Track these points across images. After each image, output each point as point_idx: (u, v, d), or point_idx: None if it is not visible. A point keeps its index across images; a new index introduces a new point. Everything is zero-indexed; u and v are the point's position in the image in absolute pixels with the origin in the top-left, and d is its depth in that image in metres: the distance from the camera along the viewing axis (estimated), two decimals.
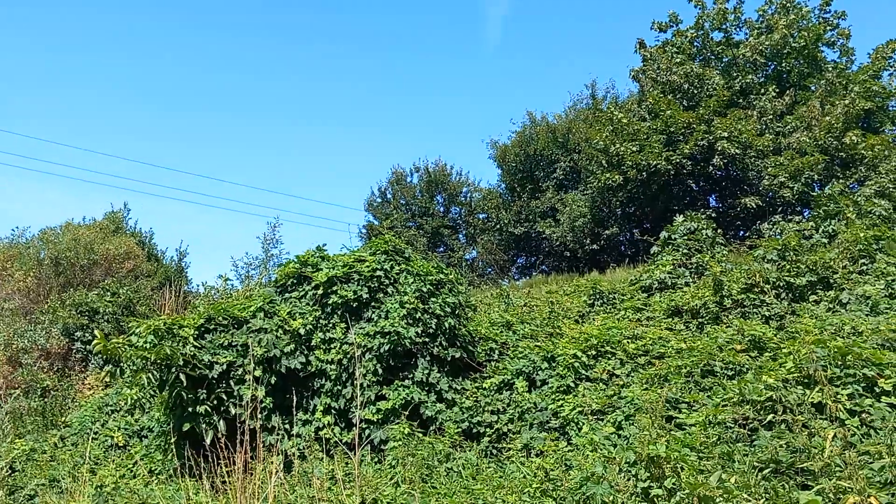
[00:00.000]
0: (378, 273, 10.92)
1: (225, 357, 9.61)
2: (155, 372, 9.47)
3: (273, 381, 9.81)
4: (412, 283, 10.89)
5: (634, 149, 24.46)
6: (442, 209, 39.08)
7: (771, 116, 24.44)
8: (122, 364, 10.10)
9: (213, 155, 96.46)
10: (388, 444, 9.14)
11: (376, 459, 9.10)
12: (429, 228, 37.10)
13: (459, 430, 9.50)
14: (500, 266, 35.00)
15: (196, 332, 9.83)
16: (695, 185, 25.73)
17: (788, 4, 26.25)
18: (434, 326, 10.50)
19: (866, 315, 9.84)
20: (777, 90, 25.10)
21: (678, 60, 26.48)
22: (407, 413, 9.66)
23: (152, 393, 12.02)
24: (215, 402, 9.44)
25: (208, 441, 8.95)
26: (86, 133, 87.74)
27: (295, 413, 9.57)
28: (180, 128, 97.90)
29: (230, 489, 6.43)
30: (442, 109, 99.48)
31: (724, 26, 27.15)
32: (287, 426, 9.59)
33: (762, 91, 25.24)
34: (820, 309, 10.52)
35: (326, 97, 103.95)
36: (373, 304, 10.74)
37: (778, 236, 14.79)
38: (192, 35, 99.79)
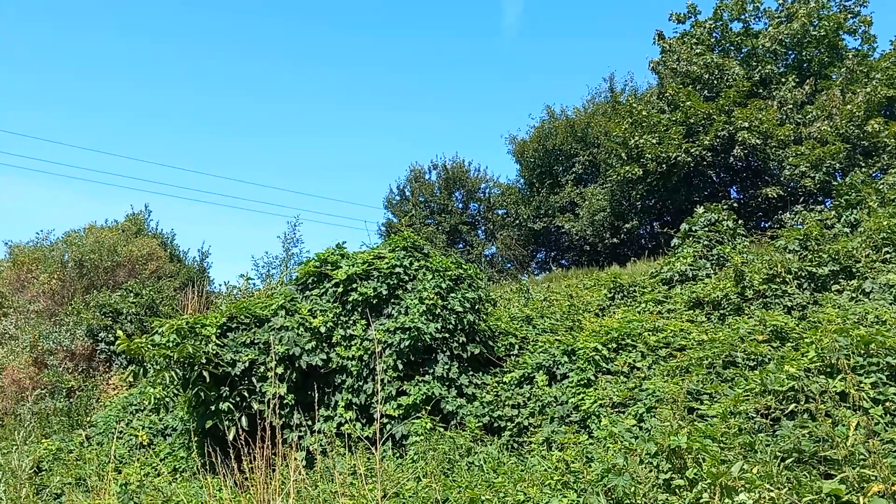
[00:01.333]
0: (397, 270, 10.95)
1: (247, 355, 9.69)
2: (178, 370, 9.57)
3: (294, 378, 9.87)
4: (431, 279, 10.91)
5: (654, 141, 24.32)
6: (461, 206, 39.08)
7: (791, 106, 24.21)
8: (145, 363, 10.20)
9: (233, 156, 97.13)
10: (409, 439, 9.17)
11: (398, 454, 9.13)
12: (448, 225, 37.12)
13: (480, 424, 9.50)
14: (520, 261, 34.95)
15: (218, 331, 9.92)
16: (715, 177, 25.55)
17: None
18: (454, 322, 10.51)
19: (890, 304, 9.73)
20: (797, 80, 24.86)
21: (697, 51, 26.30)
22: (428, 408, 9.69)
23: (175, 392, 12.13)
24: (237, 399, 9.52)
25: (230, 438, 9.02)
26: (106, 136, 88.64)
27: (316, 409, 9.62)
28: (201, 129, 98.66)
29: (252, 486, 6.48)
30: (459, 105, 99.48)
31: (743, 16, 26.93)
32: (309, 422, 9.65)
33: (782, 81, 25.01)
34: (843, 298, 10.42)
35: (345, 96, 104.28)
36: (392, 300, 10.78)
37: (800, 226, 14.64)
38: (209, 36, 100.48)
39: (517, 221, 34.11)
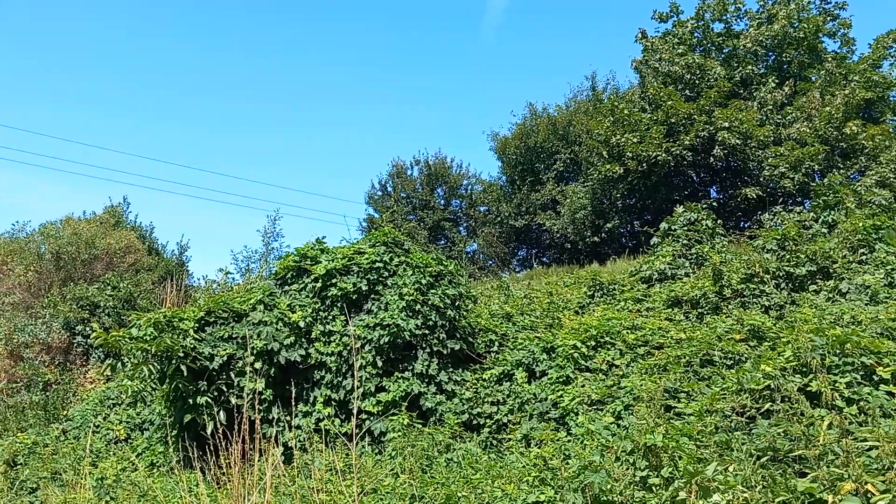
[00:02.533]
0: (377, 265, 10.93)
1: (225, 349, 9.64)
2: (156, 364, 9.51)
3: (273, 374, 9.84)
4: (412, 274, 10.90)
5: (635, 140, 24.44)
6: (442, 202, 39.06)
7: (771, 107, 24.40)
8: (122, 357, 10.13)
9: (213, 149, 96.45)
10: (387, 436, 9.17)
11: (376, 451, 9.13)
12: (429, 221, 37.10)
13: (459, 421, 9.52)
14: (501, 258, 35.01)
15: (196, 325, 9.86)
16: (695, 176, 25.72)
17: None
18: (434, 318, 10.51)
19: (866, 304, 9.83)
20: (777, 81, 25.05)
21: (679, 51, 26.43)
22: (407, 404, 9.69)
23: (153, 386, 12.05)
24: (215, 394, 9.48)
25: (209, 432, 8.97)
26: (84, 127, 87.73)
27: (295, 405, 9.59)
28: (180, 122, 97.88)
29: (229, 481, 6.45)
30: (442, 101, 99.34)
31: (724, 17, 27.07)
32: (287, 418, 9.62)
33: (763, 82, 25.19)
34: (819, 298, 10.52)
35: (327, 90, 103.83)
36: (372, 296, 10.76)
37: (778, 227, 14.78)
38: (189, 28, 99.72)
39: (499, 218, 34.17)
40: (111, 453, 11.45)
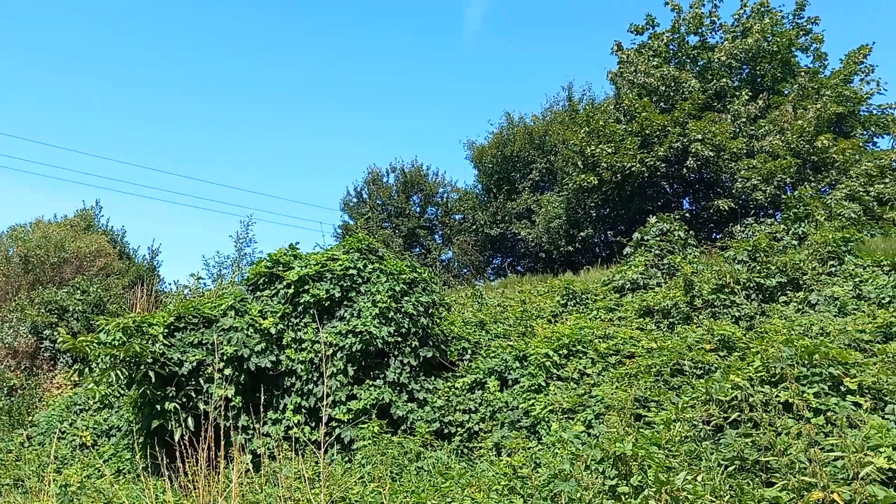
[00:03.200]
0: (351, 272, 10.87)
1: (194, 355, 9.53)
2: (124, 370, 9.38)
3: (243, 380, 9.73)
4: (385, 281, 10.86)
5: (610, 150, 24.58)
6: (418, 210, 39.01)
7: (744, 120, 24.65)
8: (90, 362, 9.98)
9: (186, 153, 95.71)
10: (357, 444, 9.11)
11: (346, 459, 9.06)
12: (405, 229, 37.03)
13: (430, 429, 9.48)
14: (476, 266, 35.02)
15: (166, 330, 9.74)
16: (668, 188, 25.91)
17: (763, 9, 26.48)
18: (407, 326, 10.47)
19: (834, 316, 9.95)
20: (751, 94, 25.32)
21: (654, 63, 26.65)
22: (378, 412, 9.63)
23: (121, 391, 11.89)
24: (184, 400, 9.36)
25: (176, 439, 8.86)
26: (57, 130, 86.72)
27: (264, 412, 9.50)
28: (154, 125, 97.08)
29: (195, 488, 6.37)
30: (419, 109, 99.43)
31: (699, 30, 27.33)
32: (256, 425, 9.52)
33: (736, 95, 25.46)
34: (789, 309, 10.62)
35: (303, 95, 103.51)
36: (345, 303, 10.70)
37: (749, 238, 14.92)
38: (163, 29, 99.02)
39: (474, 227, 34.18)
40: (77, 459, 11.27)
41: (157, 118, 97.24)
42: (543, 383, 9.31)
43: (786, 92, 25.74)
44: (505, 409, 9.24)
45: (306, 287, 10.59)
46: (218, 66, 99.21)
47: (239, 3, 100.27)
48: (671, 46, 27.73)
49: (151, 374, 9.16)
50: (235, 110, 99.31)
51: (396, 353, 10.35)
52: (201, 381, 9.50)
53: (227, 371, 9.58)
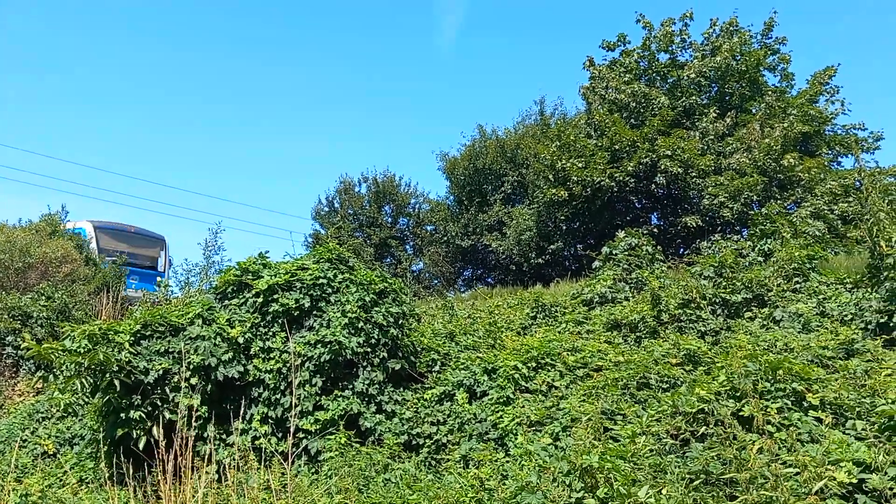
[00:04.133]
0: (321, 281, 10.84)
1: (161, 364, 9.43)
2: (88, 378, 9.25)
3: (210, 390, 9.65)
4: (355, 292, 10.85)
5: (580, 165, 24.79)
6: (390, 220, 39.00)
7: (712, 137, 25.00)
8: (54, 369, 9.83)
9: (155, 158, 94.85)
10: (324, 455, 9.07)
11: (313, 470, 9.01)
12: (376, 239, 36.99)
13: (398, 441, 9.47)
14: (447, 278, 35.06)
15: (132, 338, 9.63)
16: (637, 203, 26.19)
17: (732, 28, 26.91)
18: (376, 336, 10.46)
19: (798, 332, 10.11)
20: (719, 112, 25.71)
21: (625, 79, 26.95)
22: (346, 423, 9.60)
23: (85, 399, 11.72)
24: (150, 408, 9.25)
25: (141, 448, 8.77)
26: (23, 134, 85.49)
27: (231, 422, 9.42)
28: (121, 130, 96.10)
29: (160, 498, 6.30)
30: (392, 120, 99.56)
31: (670, 48, 27.69)
32: (223, 435, 9.44)
33: (705, 112, 25.82)
34: (754, 325, 10.78)
35: (275, 103, 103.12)
36: (315, 312, 10.66)
37: (716, 254, 15.13)
38: (132, 36, 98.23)
39: (445, 238, 34.24)
40: (38, 468, 11.07)
41: (124, 123, 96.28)
42: (512, 395, 9.35)
43: (753, 110, 26.16)
44: (473, 421, 9.26)
45: (275, 296, 10.54)
46: (187, 72, 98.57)
47: (218, 6, 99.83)
48: (642, 63, 28.07)
49: (117, 382, 9.04)
50: (207, 117, 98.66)
51: (365, 363, 10.33)
52: (167, 390, 9.40)
53: (194, 380, 9.49)
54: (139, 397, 9.27)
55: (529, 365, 9.82)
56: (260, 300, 10.54)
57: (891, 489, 5.21)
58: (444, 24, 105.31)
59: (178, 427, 7.25)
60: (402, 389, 10.56)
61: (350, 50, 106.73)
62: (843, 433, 6.31)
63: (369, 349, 10.37)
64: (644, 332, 11.38)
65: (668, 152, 23.54)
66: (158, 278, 25.96)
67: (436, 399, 10.13)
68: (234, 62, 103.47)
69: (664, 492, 5.55)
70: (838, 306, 10.65)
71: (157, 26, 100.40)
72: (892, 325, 9.36)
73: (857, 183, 21.63)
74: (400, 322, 11.05)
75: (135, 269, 27.73)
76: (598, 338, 11.41)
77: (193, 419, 9.10)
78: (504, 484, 6.69)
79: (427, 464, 9.10)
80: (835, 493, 5.26)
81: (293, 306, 10.44)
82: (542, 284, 23.98)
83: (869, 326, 9.74)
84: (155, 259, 29.28)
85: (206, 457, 8.98)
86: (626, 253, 15.04)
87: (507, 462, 7.68)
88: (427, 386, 10.59)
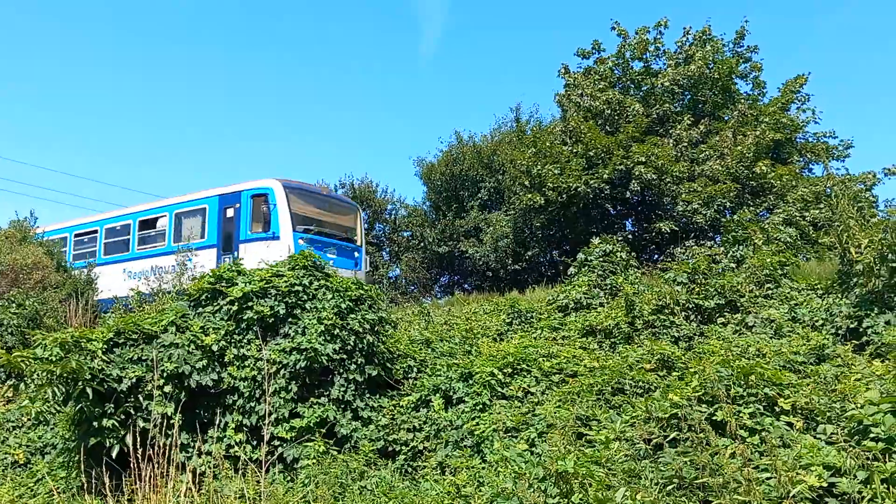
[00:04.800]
0: (296, 288, 10.80)
1: (134, 371, 9.34)
2: (60, 386, 9.14)
3: (184, 398, 9.56)
4: (331, 298, 10.81)
5: (556, 171, 24.92)
6: (366, 226, 38.93)
7: (686, 144, 25.25)
8: (25, 378, 9.70)
9: (125, 163, 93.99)
10: (300, 463, 9.03)
11: (289, 478, 8.96)
12: None
13: (375, 448, 9.45)
14: (423, 284, 35.04)
15: (105, 346, 9.52)
16: (612, 209, 26.36)
17: (705, 37, 27.22)
18: (352, 343, 10.43)
19: (770, 337, 10.24)
20: (692, 119, 25.97)
21: (600, 87, 27.15)
22: (322, 431, 9.56)
23: (57, 408, 11.57)
24: (123, 417, 9.16)
25: (114, 457, 8.67)
26: None
27: (205, 430, 9.35)
28: (92, 135, 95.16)
29: None
30: (371, 125, 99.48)
31: (644, 56, 27.95)
32: (198, 443, 9.36)
33: (678, 120, 26.07)
34: (727, 331, 10.89)
35: (251, 109, 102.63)
36: (290, 319, 10.61)
37: (689, 260, 15.27)
38: (105, 42, 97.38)
39: (422, 244, 34.24)
40: (8, 478, 10.91)
41: (95, 128, 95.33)
42: (488, 402, 9.36)
43: (726, 118, 26.46)
44: (449, 428, 9.26)
45: (250, 303, 10.48)
46: (163, 76, 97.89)
47: (183, 14, 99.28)
48: (616, 71, 28.31)
49: (89, 390, 8.93)
50: (181, 122, 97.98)
51: (341, 370, 10.29)
52: (141, 398, 9.31)
53: (168, 388, 9.41)
54: (112, 405, 9.17)
55: (505, 371, 9.85)
56: (234, 307, 10.47)
57: (860, 492, 5.29)
58: (426, 31, 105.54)
59: (151, 435, 7.18)
60: (378, 396, 10.54)
61: (330, 53, 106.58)
62: (814, 437, 6.40)
63: (345, 356, 10.34)
64: (619, 337, 11.45)
65: (643, 159, 23.75)
66: (356, 253, 23.00)
67: (412, 406, 10.12)
68: (214, 63, 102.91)
69: (638, 497, 5.59)
70: (809, 312, 10.80)
71: (139, 23, 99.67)
72: (861, 330, 9.50)
73: (828, 190, 21.96)
74: (376, 329, 11.03)
75: (330, 240, 22.25)
76: (573, 343, 11.47)
77: (167, 427, 9.02)
78: (480, 490, 6.71)
79: (403, 471, 9.09)
80: (805, 496, 5.33)
81: (268, 313, 10.39)
82: (518, 290, 24.05)
83: (839, 332, 9.88)
84: (351, 230, 23.94)
85: (181, 465, 8.92)
86: (601, 259, 15.13)
87: (484, 468, 7.69)
88: (403, 392, 10.58)
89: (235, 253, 20.82)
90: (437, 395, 10.05)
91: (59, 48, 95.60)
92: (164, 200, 24.38)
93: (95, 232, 25.78)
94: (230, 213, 21.75)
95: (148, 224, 24.21)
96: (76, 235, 26.39)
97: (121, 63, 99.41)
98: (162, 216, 23.82)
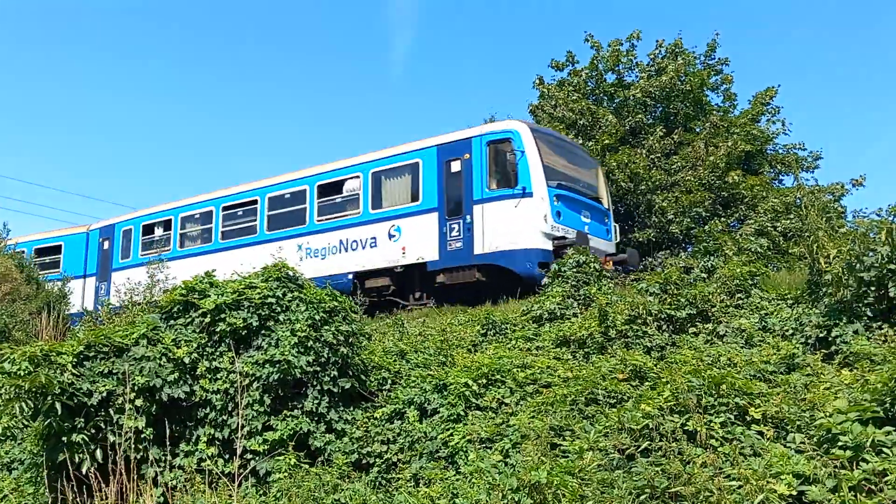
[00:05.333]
0: (269, 300, 10.75)
1: (104, 385, 9.24)
2: (29, 401, 9.01)
3: (155, 411, 9.47)
4: (305, 310, 10.77)
5: None
6: None
7: (658, 155, 25.49)
8: None
9: (95, 175, 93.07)
10: (273, 476, 8.97)
11: (261, 492, 8.90)
12: None
13: (348, 461, 9.40)
14: None
15: (75, 360, 9.41)
16: None
17: (677, 50, 27.54)
18: (326, 355, 10.40)
19: (741, 347, 10.32)
20: (665, 130, 26.22)
21: (574, 98, 27.34)
22: (295, 444, 9.51)
23: (25, 423, 11.39)
24: (93, 431, 9.05)
25: (84, 469, 8.56)
26: None
27: (177, 444, 9.27)
28: (60, 146, 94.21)
29: None
30: (344, 138, 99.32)
31: (617, 67, 28.22)
32: (169, 457, 9.27)
33: (651, 131, 26.32)
34: (698, 341, 10.97)
35: (216, 120, 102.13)
36: (263, 331, 10.56)
37: (661, 270, 15.37)
38: (78, 50, 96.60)
39: None
40: None
41: (65, 138, 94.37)
42: (462, 413, 9.36)
43: (697, 129, 26.76)
44: (424, 440, 9.24)
45: (223, 315, 10.41)
46: (136, 83, 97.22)
47: (150, 23, 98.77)
48: (590, 83, 28.55)
49: (58, 405, 8.80)
50: (148, 131, 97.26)
51: (315, 382, 10.25)
52: (111, 412, 9.21)
53: (139, 402, 9.31)
54: (82, 420, 9.06)
55: (480, 382, 9.85)
56: (207, 319, 10.40)
57: (828, 500, 5.36)
58: (396, 44, 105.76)
59: (122, 450, 7.11)
60: (352, 408, 10.51)
61: (300, 66, 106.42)
62: (784, 446, 6.47)
63: (319, 368, 10.29)
64: (592, 347, 11.50)
65: (615, 164, 24.00)
66: (606, 218, 19.61)
67: (386, 418, 10.10)
68: (175, 78, 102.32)
69: None
70: (779, 321, 10.91)
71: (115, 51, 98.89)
72: (830, 339, 9.61)
73: (798, 201, 22.25)
74: (350, 340, 11.00)
75: (584, 199, 18.60)
76: (547, 354, 11.50)
77: (138, 441, 8.92)
78: (454, 502, 6.70)
79: (377, 483, 9.05)
80: None
81: (241, 325, 10.33)
82: (492, 302, 24.06)
83: (809, 341, 9.99)
84: (598, 188, 19.93)
85: (152, 480, 8.83)
86: (575, 270, 15.20)
87: (458, 480, 7.68)
88: (377, 405, 10.55)
89: (468, 217, 17.38)
90: (412, 406, 10.03)
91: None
92: (349, 160, 20.18)
93: (255, 202, 21.74)
94: (456, 166, 17.85)
95: (331, 189, 20.21)
96: (224, 209, 22.54)
97: (73, 70, 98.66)
98: (352, 178, 19.81)
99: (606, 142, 25.02)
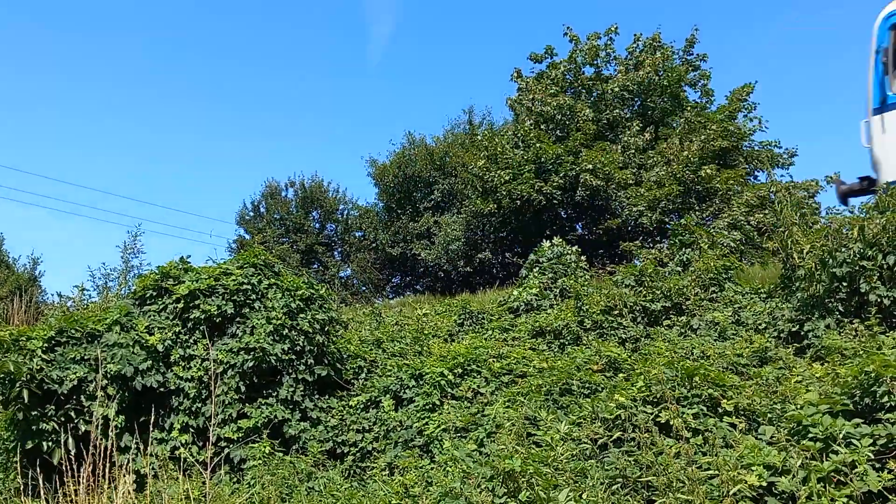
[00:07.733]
0: (245, 287, 10.66)
1: (76, 372, 9.12)
2: None
3: (127, 399, 9.38)
4: (281, 298, 10.71)
5: (507, 178, 25.10)
6: (317, 226, 38.68)
7: (634, 150, 25.63)
8: None
9: (71, 158, 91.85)
10: (247, 464, 8.93)
11: (235, 479, 8.86)
12: (303, 245, 36.61)
13: (323, 449, 9.39)
14: (375, 285, 34.97)
15: (45, 345, 9.28)
16: (563, 213, 26.68)
17: (655, 44, 27.67)
18: (302, 343, 10.35)
19: (714, 340, 10.43)
20: (641, 125, 26.35)
21: (552, 92, 27.39)
22: (270, 432, 9.47)
23: None
24: (63, 419, 8.94)
25: (55, 460, 8.46)
26: None
27: (151, 431, 9.18)
28: (36, 127, 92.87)
29: None
30: (321, 125, 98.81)
31: (595, 61, 28.29)
32: (141, 445, 9.19)
33: (628, 126, 26.44)
34: (672, 333, 11.07)
35: (194, 105, 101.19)
36: (238, 319, 10.48)
37: (636, 263, 15.49)
38: (53, 34, 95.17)
39: (374, 245, 34.19)
40: None
41: (39, 121, 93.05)
42: (438, 402, 9.37)
43: (674, 125, 26.92)
44: (399, 429, 9.25)
45: (197, 302, 10.31)
46: (108, 72, 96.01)
47: (132, 11, 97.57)
48: (568, 76, 28.61)
49: (25, 393, 8.67)
50: (126, 117, 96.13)
51: (290, 370, 10.21)
52: (83, 399, 9.10)
53: (111, 389, 9.21)
54: (53, 407, 8.94)
55: (456, 371, 9.87)
56: (181, 306, 10.29)
57: (798, 491, 5.42)
58: (375, 33, 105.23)
59: (93, 437, 7.04)
60: (327, 397, 10.48)
61: (278, 54, 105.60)
62: (756, 438, 6.53)
63: (294, 356, 10.25)
64: (567, 338, 11.56)
65: (590, 166, 24.07)
66: None
67: (361, 406, 10.09)
68: (158, 62, 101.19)
69: (584, 496, 5.66)
70: (753, 315, 11.03)
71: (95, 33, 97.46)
72: (802, 333, 9.73)
73: (772, 196, 22.47)
74: (326, 329, 10.96)
75: None
76: (523, 345, 11.55)
77: (110, 429, 8.83)
78: (429, 490, 6.71)
79: (352, 472, 9.05)
80: (746, 495, 5.44)
81: (215, 313, 10.24)
82: (469, 292, 24.15)
83: (781, 335, 10.11)
84: None
85: (124, 467, 8.74)
86: (552, 261, 15.28)
87: (432, 468, 7.69)
88: (353, 393, 10.54)
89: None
90: (388, 395, 10.03)
91: None
92: None
93: None
94: None
95: None
96: None
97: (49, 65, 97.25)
98: None
99: (581, 141, 25.11)
